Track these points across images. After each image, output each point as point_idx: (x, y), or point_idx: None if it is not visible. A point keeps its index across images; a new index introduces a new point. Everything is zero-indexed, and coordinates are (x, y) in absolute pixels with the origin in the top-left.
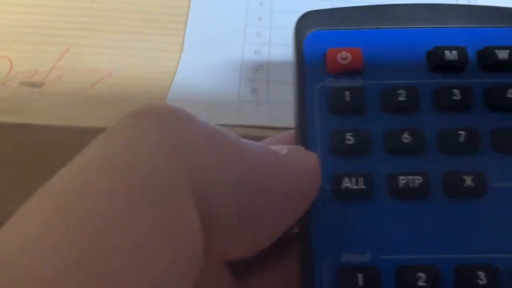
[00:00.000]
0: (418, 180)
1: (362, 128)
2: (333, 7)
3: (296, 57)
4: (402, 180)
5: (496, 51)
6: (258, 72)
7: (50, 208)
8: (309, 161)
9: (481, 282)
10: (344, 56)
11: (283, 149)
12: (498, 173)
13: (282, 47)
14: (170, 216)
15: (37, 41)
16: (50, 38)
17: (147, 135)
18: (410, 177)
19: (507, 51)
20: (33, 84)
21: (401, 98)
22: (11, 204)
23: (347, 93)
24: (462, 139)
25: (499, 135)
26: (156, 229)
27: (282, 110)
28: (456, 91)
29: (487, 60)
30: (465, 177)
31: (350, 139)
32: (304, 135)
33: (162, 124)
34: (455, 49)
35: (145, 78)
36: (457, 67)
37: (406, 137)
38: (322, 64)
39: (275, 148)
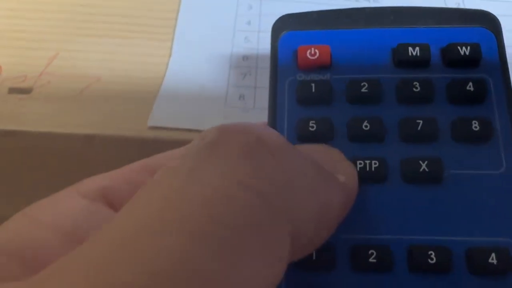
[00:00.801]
0: (375, 164)
1: (325, 116)
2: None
3: (271, 55)
4: (359, 164)
5: (459, 47)
6: (246, 77)
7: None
8: (355, 180)
9: (431, 262)
10: (313, 52)
11: (339, 174)
12: (456, 161)
13: None
14: (275, 256)
15: (26, 46)
16: (39, 43)
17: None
18: (367, 161)
19: (469, 48)
20: (22, 90)
21: (364, 90)
22: (0, 210)
23: (313, 85)
24: (420, 127)
25: (458, 125)
26: (263, 266)
27: None
28: (417, 84)
29: (449, 56)
30: (421, 162)
31: (312, 126)
32: (273, 124)
33: (272, 157)
34: (418, 46)
35: (133, 84)
36: (420, 63)
37: (366, 125)
38: (294, 61)
39: (330, 165)
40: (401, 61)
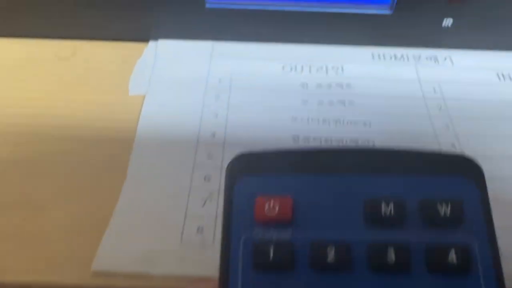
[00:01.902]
0: None
1: (285, 286)
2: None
3: (225, 204)
4: None
5: (438, 204)
6: (206, 204)
7: None
8: None
9: None
10: (272, 205)
11: None
12: None
13: None
14: None
15: None
16: None
17: None
18: None
19: (450, 205)
20: None
21: (330, 257)
22: None
23: (272, 247)
24: None
25: None
26: None
27: None
28: (392, 250)
29: (428, 214)
30: None
31: None
32: None
33: None
34: (393, 202)
35: (78, 225)
36: (394, 221)
37: None
38: (250, 213)
39: None
40: (373, 218)
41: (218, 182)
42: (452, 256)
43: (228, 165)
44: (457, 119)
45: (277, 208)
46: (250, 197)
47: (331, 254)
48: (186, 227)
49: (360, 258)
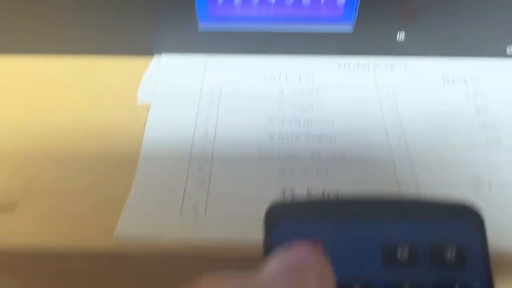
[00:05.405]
0: None
1: None
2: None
3: (264, 246)
4: None
5: (445, 249)
6: (199, 188)
7: None
8: None
9: None
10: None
11: None
12: None
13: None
14: None
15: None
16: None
17: None
18: None
19: (454, 249)
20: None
21: None
22: None
23: None
24: None
25: None
26: None
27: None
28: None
29: (436, 258)
30: None
31: None
32: None
33: None
34: (407, 245)
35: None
36: (409, 262)
37: None
38: None
39: None
40: (390, 260)
41: (208, 173)
42: None
43: (266, 211)
44: (405, 117)
45: None
46: (286, 241)
47: None
48: (184, 205)
49: None
